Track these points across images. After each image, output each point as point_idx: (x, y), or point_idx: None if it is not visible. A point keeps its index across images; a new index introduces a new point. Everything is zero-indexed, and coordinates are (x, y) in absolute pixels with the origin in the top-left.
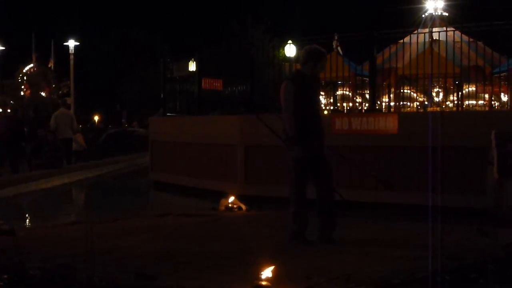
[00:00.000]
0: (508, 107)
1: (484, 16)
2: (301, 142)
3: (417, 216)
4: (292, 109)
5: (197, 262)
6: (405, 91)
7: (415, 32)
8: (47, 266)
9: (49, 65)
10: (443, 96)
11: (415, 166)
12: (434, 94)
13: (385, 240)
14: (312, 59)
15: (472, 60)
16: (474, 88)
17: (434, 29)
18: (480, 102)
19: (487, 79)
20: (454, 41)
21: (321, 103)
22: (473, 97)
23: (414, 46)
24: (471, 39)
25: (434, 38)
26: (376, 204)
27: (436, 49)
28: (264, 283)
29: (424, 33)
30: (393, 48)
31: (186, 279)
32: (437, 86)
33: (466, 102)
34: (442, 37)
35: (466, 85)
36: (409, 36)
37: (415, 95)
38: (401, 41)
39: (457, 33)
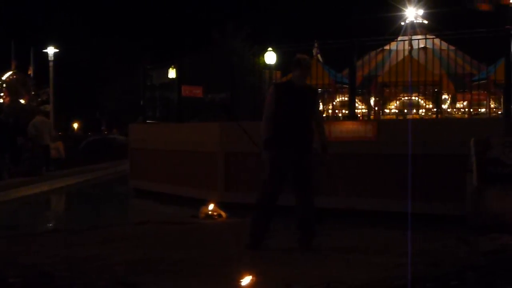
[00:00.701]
0: (488, 114)
1: (463, 24)
2: (273, 147)
3: (397, 224)
4: (268, 114)
5: (177, 270)
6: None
7: (396, 40)
8: (27, 274)
9: (29, 73)
10: (423, 103)
11: (395, 173)
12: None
13: (365, 247)
14: (293, 68)
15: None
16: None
17: (414, 37)
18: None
19: (467, 87)
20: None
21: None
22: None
23: (394, 54)
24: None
25: (422, 46)
26: (356, 211)
27: (416, 57)
28: None
29: (404, 40)
30: (379, 57)
31: (166, 286)
32: (417, 94)
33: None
34: (422, 44)
35: (444, 92)
36: (389, 45)
37: (396, 102)
38: (387, 48)
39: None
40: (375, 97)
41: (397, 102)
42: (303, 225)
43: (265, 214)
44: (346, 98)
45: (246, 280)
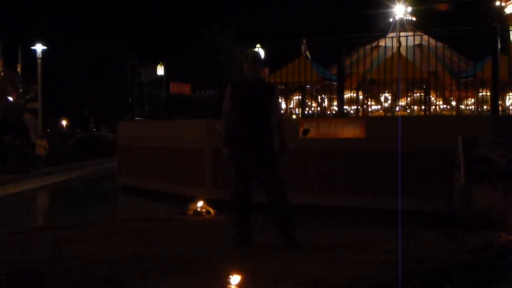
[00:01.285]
0: (475, 112)
1: (451, 21)
2: (231, 146)
3: (385, 221)
4: (225, 112)
5: (166, 266)
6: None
7: (385, 37)
8: (13, 271)
9: (18, 70)
10: (411, 101)
11: (383, 170)
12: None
13: (353, 245)
14: (243, 62)
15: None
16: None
17: (402, 34)
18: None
19: (455, 84)
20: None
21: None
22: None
23: (382, 50)
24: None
25: (417, 43)
26: (343, 209)
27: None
28: (233, 287)
29: (392, 37)
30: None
31: (154, 283)
32: (405, 91)
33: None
34: (417, 42)
35: (433, 90)
36: (377, 41)
37: (383, 99)
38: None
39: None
40: (363, 94)
41: (385, 99)
42: (280, 222)
43: (241, 212)
44: (334, 96)
45: (235, 277)
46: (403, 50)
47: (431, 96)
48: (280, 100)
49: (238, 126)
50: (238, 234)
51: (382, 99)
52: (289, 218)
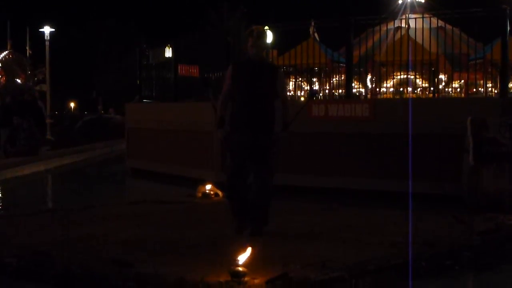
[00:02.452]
0: (484, 94)
1: (461, 3)
2: (225, 127)
3: (393, 203)
4: (224, 92)
5: (174, 248)
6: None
7: (394, 19)
8: (23, 253)
9: (28, 52)
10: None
11: (391, 152)
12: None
13: (360, 227)
14: (246, 40)
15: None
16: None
17: (411, 16)
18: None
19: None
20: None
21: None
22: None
23: (391, 33)
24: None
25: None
26: (351, 191)
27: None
28: (241, 269)
29: (401, 19)
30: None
31: (163, 266)
32: (413, 73)
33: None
34: (419, 23)
35: (442, 72)
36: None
37: (392, 82)
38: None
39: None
40: (371, 76)
41: (394, 81)
42: (254, 210)
43: (235, 193)
44: (343, 77)
45: (243, 258)
46: (412, 33)
47: (440, 77)
48: (284, 81)
49: (239, 110)
50: (233, 216)
51: (391, 81)
52: (265, 209)
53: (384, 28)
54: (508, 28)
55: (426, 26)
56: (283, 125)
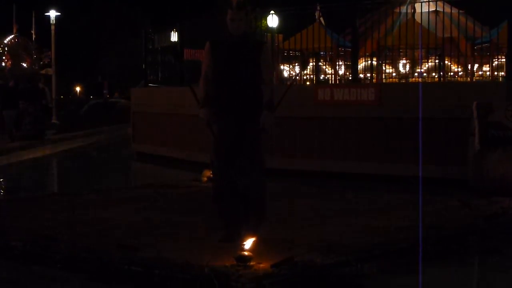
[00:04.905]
0: (490, 78)
1: None
2: (209, 108)
3: (398, 187)
4: (203, 74)
5: (179, 233)
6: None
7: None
8: (29, 237)
9: (33, 36)
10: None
11: (397, 137)
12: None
13: (366, 211)
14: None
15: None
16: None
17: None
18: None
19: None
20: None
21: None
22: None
23: (397, 16)
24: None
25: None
26: (356, 175)
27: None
28: (246, 253)
29: (407, 3)
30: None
31: (167, 250)
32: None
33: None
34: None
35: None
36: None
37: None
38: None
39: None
40: (377, 61)
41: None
42: (247, 209)
43: (225, 205)
44: (348, 62)
45: (249, 242)
46: (418, 16)
47: (446, 62)
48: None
49: (219, 96)
50: (225, 228)
51: (397, 65)
52: (260, 207)
53: (390, 12)
54: None
55: (433, 9)
56: (268, 108)
